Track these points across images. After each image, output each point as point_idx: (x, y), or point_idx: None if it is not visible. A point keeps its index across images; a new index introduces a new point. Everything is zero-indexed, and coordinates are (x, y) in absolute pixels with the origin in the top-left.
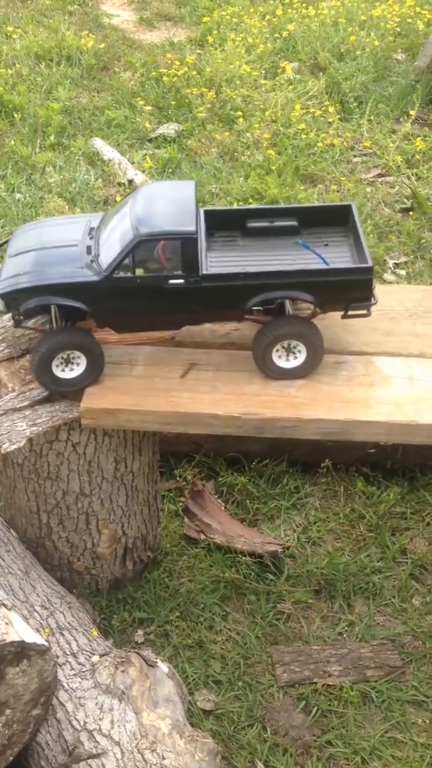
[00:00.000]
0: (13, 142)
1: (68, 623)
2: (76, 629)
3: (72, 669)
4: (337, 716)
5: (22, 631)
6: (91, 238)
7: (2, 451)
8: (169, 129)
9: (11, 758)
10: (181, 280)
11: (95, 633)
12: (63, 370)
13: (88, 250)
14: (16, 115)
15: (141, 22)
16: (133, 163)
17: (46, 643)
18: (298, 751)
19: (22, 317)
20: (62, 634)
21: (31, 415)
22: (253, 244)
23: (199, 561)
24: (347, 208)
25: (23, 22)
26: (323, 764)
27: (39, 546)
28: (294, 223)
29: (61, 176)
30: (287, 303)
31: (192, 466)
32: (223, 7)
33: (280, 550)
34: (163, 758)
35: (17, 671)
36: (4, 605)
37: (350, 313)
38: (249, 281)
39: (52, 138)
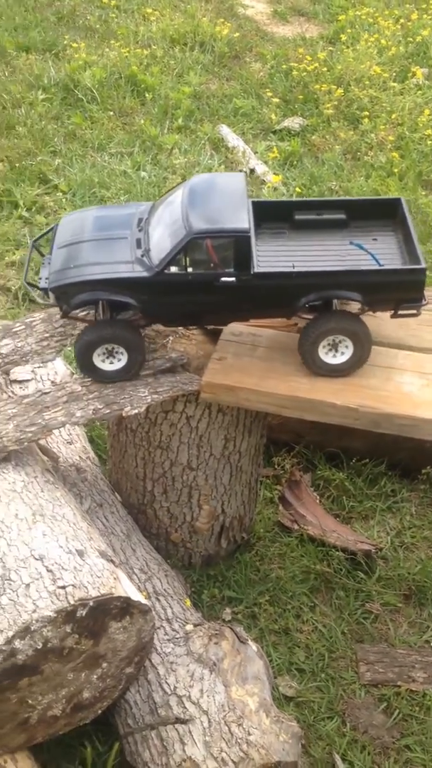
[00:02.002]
0: (142, 122)
1: (164, 590)
2: (171, 597)
3: (166, 634)
4: (417, 722)
5: (128, 588)
6: (140, 230)
7: (123, 414)
8: (294, 123)
9: (99, 711)
10: (232, 278)
11: (188, 603)
12: (104, 362)
13: (138, 243)
14: (147, 95)
15: (275, 15)
16: (256, 152)
17: (148, 604)
18: (376, 750)
19: (70, 310)
20: (158, 600)
21: (153, 383)
22: (300, 236)
23: (291, 550)
24: (396, 202)
25: (161, 5)
26: (400, 767)
27: (140, 512)
28: (342, 216)
29: (186, 159)
30: (335, 301)
31: (291, 455)
32: (358, 7)
33: (373, 549)
34: (249, 734)
35: (119, 626)
36: (113, 561)
37: (400, 312)
38: (300, 280)
39: (180, 121)
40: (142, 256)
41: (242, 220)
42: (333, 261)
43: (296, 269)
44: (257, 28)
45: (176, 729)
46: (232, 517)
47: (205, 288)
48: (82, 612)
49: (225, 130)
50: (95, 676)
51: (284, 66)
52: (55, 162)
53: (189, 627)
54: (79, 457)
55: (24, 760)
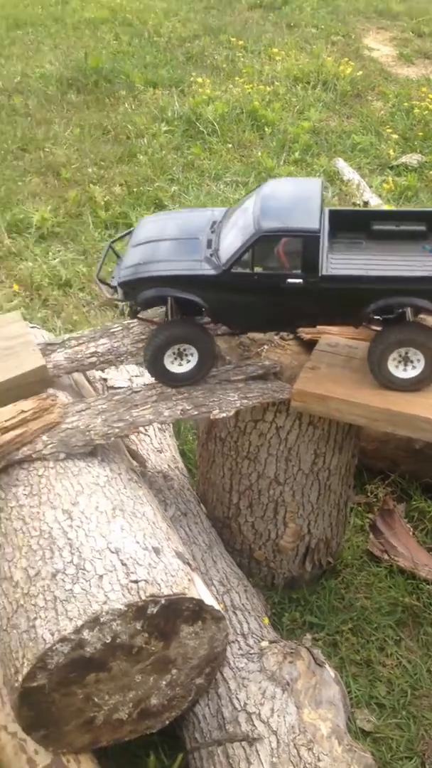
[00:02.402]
0: (259, 154)
1: (242, 605)
2: (249, 612)
3: (240, 649)
4: None
5: (202, 592)
6: (212, 232)
7: (211, 417)
8: (412, 159)
9: (167, 722)
10: (299, 280)
11: (267, 622)
12: (173, 363)
13: (209, 243)
14: (266, 129)
15: (400, 58)
16: (371, 186)
17: (222, 612)
18: None
19: (138, 308)
20: (235, 614)
21: (244, 389)
22: (377, 247)
23: (379, 580)
24: None
25: (287, 47)
26: None
27: (224, 527)
28: (422, 227)
29: None
30: (408, 311)
31: (385, 484)
32: None
33: None
34: (319, 759)
35: (191, 631)
36: (189, 564)
37: None
38: (370, 285)
39: (296, 154)
40: (211, 255)
41: (313, 220)
42: (406, 268)
43: (365, 273)
44: (381, 69)
45: (243, 747)
46: (318, 539)
47: (272, 289)
48: (153, 609)
49: (341, 164)
50: (164, 683)
51: (406, 104)
52: (171, 189)
53: (264, 643)
54: (168, 466)
55: (87, 762)
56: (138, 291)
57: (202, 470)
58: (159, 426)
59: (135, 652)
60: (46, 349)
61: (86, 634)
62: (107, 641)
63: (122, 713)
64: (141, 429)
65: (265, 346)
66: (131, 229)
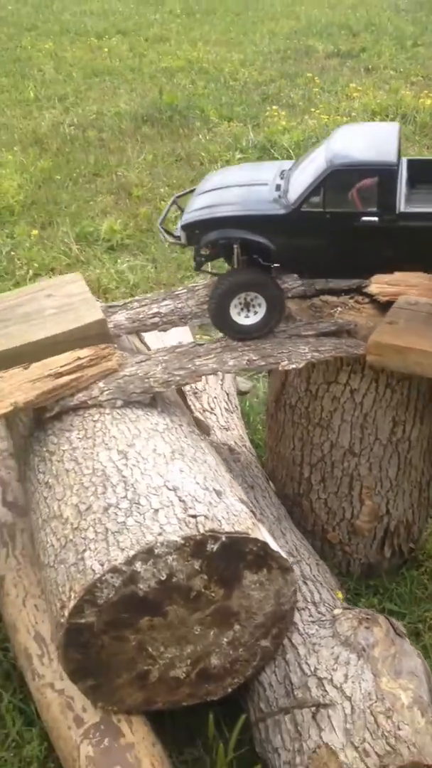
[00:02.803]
0: None
1: (313, 576)
2: (321, 584)
3: (311, 616)
4: None
5: (267, 537)
6: (281, 178)
7: (280, 368)
8: None
9: (230, 689)
10: (374, 218)
11: (340, 595)
12: (240, 314)
13: (278, 187)
14: None
15: None
16: None
17: (290, 562)
18: None
19: (203, 258)
20: (305, 584)
21: (315, 343)
22: None
23: None
24: None
25: (365, 85)
26: None
27: (295, 505)
28: None
29: None
30: None
31: None
32: None
33: None
34: (399, 728)
35: (255, 580)
36: (254, 512)
37: None
38: None
39: None
40: (280, 196)
41: (389, 155)
42: None
43: None
44: None
45: (313, 713)
46: (398, 521)
47: (345, 231)
48: (212, 546)
49: None
50: (225, 640)
51: None
52: None
53: (338, 610)
54: (235, 443)
55: (140, 725)
56: (201, 234)
57: (270, 444)
58: (226, 406)
59: (193, 598)
60: (107, 310)
61: (139, 566)
62: (162, 578)
63: (179, 671)
64: (207, 406)
65: (339, 308)
66: (196, 186)
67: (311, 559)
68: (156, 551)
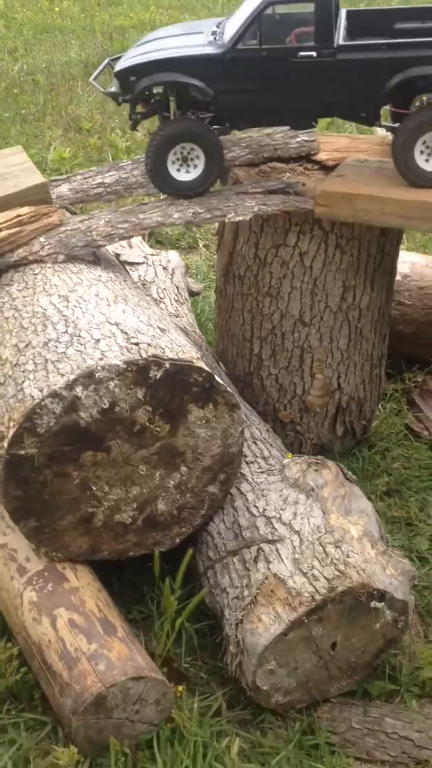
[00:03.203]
0: None
1: (264, 438)
2: (271, 445)
3: (260, 468)
4: None
5: (213, 372)
6: (218, 27)
7: (226, 221)
8: None
9: (178, 540)
10: (312, 52)
11: (291, 456)
12: (179, 170)
13: (213, 34)
14: None
15: None
16: None
17: (236, 399)
18: None
19: (138, 116)
20: (255, 443)
21: (263, 199)
22: None
23: (418, 453)
24: None
25: None
26: None
27: (246, 385)
28: None
29: None
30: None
31: (425, 372)
32: None
33: None
34: (348, 556)
35: (200, 416)
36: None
37: None
38: (391, 53)
39: None
40: (216, 39)
41: None
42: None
43: (387, 41)
44: None
45: (261, 549)
46: (349, 397)
47: (282, 67)
48: (156, 373)
49: None
50: (172, 483)
51: None
52: None
53: (287, 460)
54: (185, 328)
55: (85, 572)
56: (135, 81)
57: (220, 323)
58: (176, 297)
59: (137, 432)
60: (50, 183)
61: (80, 391)
62: (104, 407)
63: (125, 515)
64: (156, 296)
65: (288, 174)
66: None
67: (261, 425)
68: (97, 375)
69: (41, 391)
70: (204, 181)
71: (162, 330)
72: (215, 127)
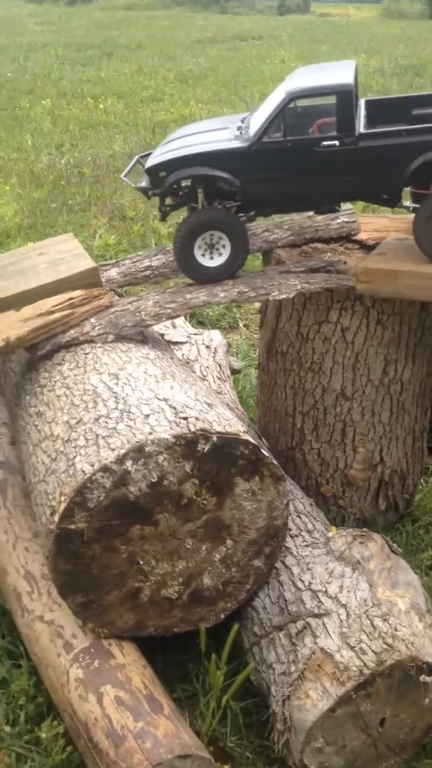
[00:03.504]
0: None
1: (307, 512)
2: (315, 518)
3: (304, 541)
4: None
5: (258, 444)
6: (243, 122)
7: (271, 298)
8: None
9: (222, 615)
10: (335, 141)
11: (334, 530)
12: (205, 256)
13: (239, 129)
14: None
15: None
16: None
17: (282, 471)
18: None
19: (168, 208)
20: (299, 517)
21: (305, 277)
22: None
23: None
24: None
25: None
26: None
27: (288, 460)
28: None
29: None
30: None
31: None
32: None
33: None
34: (396, 629)
35: (246, 488)
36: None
37: None
38: (411, 138)
39: None
40: (241, 133)
41: (345, 77)
42: None
43: (406, 127)
44: None
45: (308, 623)
46: (392, 470)
47: (306, 157)
48: (203, 447)
49: None
50: (218, 556)
51: None
52: None
53: (331, 533)
54: (227, 405)
55: (130, 649)
56: (165, 176)
57: (262, 399)
58: (218, 375)
59: (184, 505)
60: (100, 268)
61: (130, 465)
62: (153, 480)
63: (171, 590)
64: (199, 374)
65: (329, 254)
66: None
67: (305, 499)
68: (147, 449)
69: (92, 465)
70: (230, 267)
71: (209, 405)
72: (241, 214)
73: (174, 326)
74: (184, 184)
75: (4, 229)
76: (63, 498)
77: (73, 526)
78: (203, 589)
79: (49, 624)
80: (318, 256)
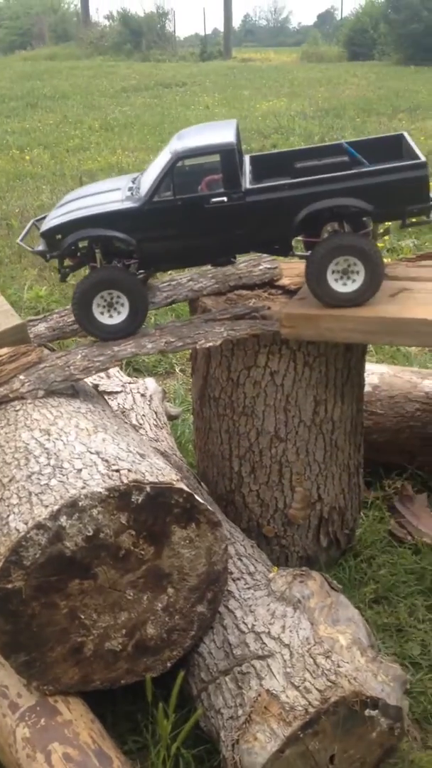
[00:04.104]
0: None
1: (248, 554)
2: (257, 560)
3: (246, 584)
4: None
5: (192, 492)
6: (133, 183)
7: (198, 347)
8: None
9: (169, 664)
10: (223, 198)
11: (276, 570)
12: (103, 314)
13: (130, 190)
14: None
15: None
16: None
17: (218, 517)
18: None
19: (67, 270)
20: (240, 560)
21: (230, 324)
22: None
23: (404, 559)
24: (399, 138)
25: None
26: None
27: (229, 503)
28: (345, 158)
29: None
30: (342, 227)
31: (403, 478)
32: None
33: None
34: (339, 666)
35: (184, 536)
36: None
37: (409, 221)
38: (295, 191)
39: None
40: (132, 194)
41: (227, 136)
42: (328, 174)
43: (290, 181)
44: None
45: (253, 666)
46: (330, 507)
47: (197, 213)
48: (137, 498)
49: None
50: (160, 605)
51: None
52: None
53: (272, 574)
54: (165, 452)
55: (77, 704)
56: (61, 239)
57: (199, 445)
58: (155, 422)
59: (122, 557)
60: (28, 323)
61: (64, 521)
62: (89, 534)
63: (115, 642)
64: (135, 422)
65: (253, 300)
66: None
67: (246, 541)
68: (80, 504)
69: (26, 523)
70: (130, 325)
71: (141, 455)
72: (141, 271)
73: (108, 376)
74: (81, 245)
75: None
76: None
77: (10, 585)
78: (147, 639)
79: None
80: (243, 302)
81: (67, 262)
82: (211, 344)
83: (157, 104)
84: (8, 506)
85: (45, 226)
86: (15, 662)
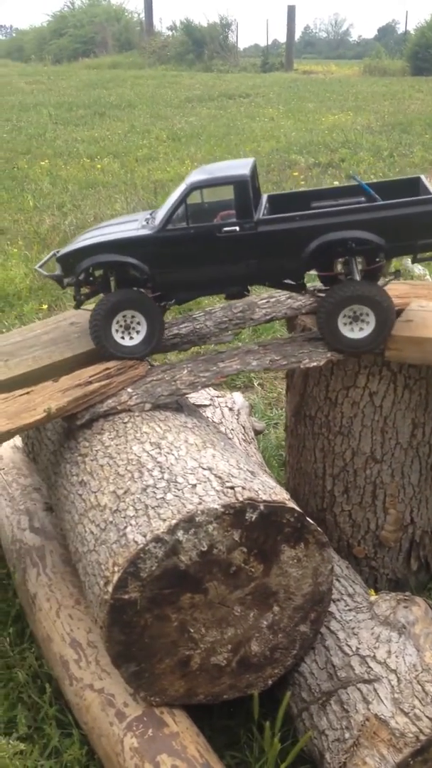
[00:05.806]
0: None
1: (345, 575)
2: (354, 582)
3: (347, 605)
4: None
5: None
6: (150, 215)
7: (302, 366)
8: None
9: (270, 681)
10: (235, 228)
11: (373, 593)
12: (123, 338)
13: (146, 221)
14: None
15: None
16: None
17: (326, 538)
18: None
19: (83, 297)
20: (338, 581)
21: None
22: None
23: None
24: (416, 181)
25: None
26: None
27: (319, 522)
28: (361, 199)
29: None
30: (354, 262)
31: None
32: None
33: None
34: None
35: (292, 555)
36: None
37: (421, 256)
38: (306, 222)
39: None
40: (148, 222)
41: (242, 169)
42: (341, 207)
43: (302, 213)
44: None
45: (359, 689)
46: (422, 531)
47: (209, 242)
48: (251, 515)
49: None
50: (265, 623)
51: None
52: None
53: (373, 597)
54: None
55: (182, 717)
56: (75, 263)
57: (291, 462)
58: (243, 437)
59: (233, 573)
60: None
61: (181, 535)
62: (203, 549)
63: (220, 657)
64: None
65: None
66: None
67: (341, 562)
68: (197, 519)
69: (144, 536)
70: (147, 346)
71: (251, 473)
72: (161, 303)
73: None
74: (96, 273)
75: (15, 291)
76: (116, 568)
77: (126, 596)
78: (251, 655)
79: (100, 692)
80: None
81: (84, 289)
82: (314, 364)
83: (222, 115)
84: (125, 518)
85: (61, 253)
86: (125, 672)
